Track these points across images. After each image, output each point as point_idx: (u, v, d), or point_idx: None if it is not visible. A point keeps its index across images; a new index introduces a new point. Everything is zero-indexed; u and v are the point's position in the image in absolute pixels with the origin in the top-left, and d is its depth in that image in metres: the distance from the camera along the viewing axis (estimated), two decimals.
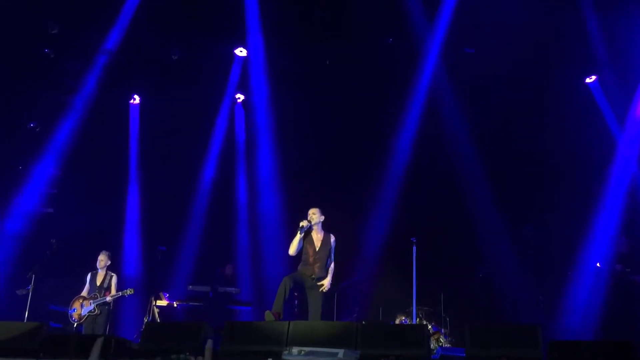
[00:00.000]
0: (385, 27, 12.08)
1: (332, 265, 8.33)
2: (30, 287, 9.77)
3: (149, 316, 10.35)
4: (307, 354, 5.71)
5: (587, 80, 12.07)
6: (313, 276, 8.17)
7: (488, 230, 11.60)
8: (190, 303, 11.24)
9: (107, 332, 9.66)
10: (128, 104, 13.53)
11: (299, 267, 8.34)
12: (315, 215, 8.34)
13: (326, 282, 8.15)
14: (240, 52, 13.06)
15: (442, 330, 9.94)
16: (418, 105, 12.54)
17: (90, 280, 10.01)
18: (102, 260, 10.05)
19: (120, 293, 9.73)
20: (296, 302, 10.29)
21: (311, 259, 8.25)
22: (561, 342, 6.01)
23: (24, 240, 12.03)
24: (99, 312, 9.71)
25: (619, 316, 10.00)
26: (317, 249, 8.30)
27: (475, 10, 11.22)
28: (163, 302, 10.92)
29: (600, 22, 11.13)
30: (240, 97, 13.79)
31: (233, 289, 11.60)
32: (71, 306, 9.89)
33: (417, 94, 12.51)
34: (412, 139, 12.63)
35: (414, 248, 9.23)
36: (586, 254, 11.14)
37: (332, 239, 8.40)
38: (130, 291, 9.74)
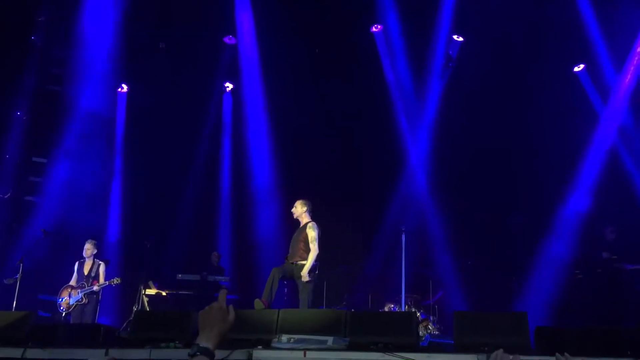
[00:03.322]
0: (374, 14, 12.09)
1: (312, 249, 8.29)
2: (18, 276, 9.71)
3: (138, 305, 10.33)
4: (297, 341, 5.72)
5: (576, 69, 12.09)
6: (291, 261, 8.34)
7: (477, 218, 11.65)
8: (180, 292, 11.23)
9: (95, 321, 9.64)
10: (116, 93, 13.43)
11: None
12: (295, 209, 8.62)
13: (304, 272, 8.16)
14: (230, 39, 12.99)
15: (431, 318, 9.99)
16: (408, 94, 12.55)
17: (77, 269, 9.98)
18: (89, 248, 10.02)
19: (107, 282, 9.71)
20: (286, 290, 10.30)
21: (290, 246, 8.53)
22: (548, 328, 6.06)
23: (11, 229, 11.96)
24: (87, 301, 9.69)
25: (606, 303, 10.08)
26: (294, 235, 8.54)
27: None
28: (152, 291, 10.90)
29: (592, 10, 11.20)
30: (229, 85, 13.72)
31: (222, 277, 11.60)
32: (60, 295, 9.86)
33: (406, 81, 12.53)
34: (402, 127, 12.65)
35: (403, 236, 9.27)
36: (572, 242, 11.20)
37: (309, 225, 8.44)
38: (117, 280, 9.71)
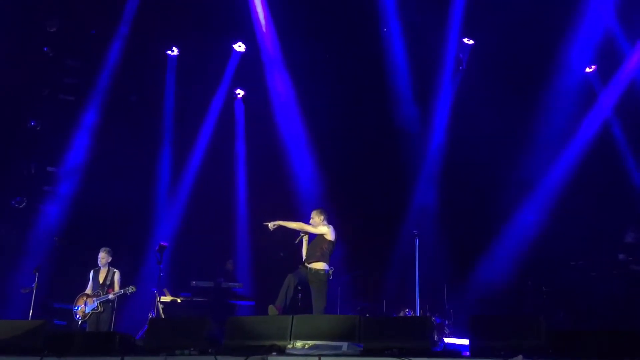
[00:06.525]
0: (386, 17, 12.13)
1: (310, 227, 8.45)
2: (34, 285, 9.77)
3: (153, 312, 10.35)
4: (311, 347, 5.72)
5: (587, 69, 12.03)
6: (306, 263, 8.30)
7: (490, 221, 11.60)
8: (194, 299, 11.25)
9: (111, 329, 9.67)
10: (129, 101, 13.52)
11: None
12: (313, 220, 8.55)
13: (277, 222, 8.46)
14: (239, 47, 13.05)
15: (446, 322, 9.94)
16: (421, 97, 12.55)
17: (93, 277, 10.02)
18: (103, 257, 10.05)
19: (122, 291, 9.73)
20: (300, 295, 10.30)
21: (307, 249, 8.52)
22: (564, 332, 6.01)
23: (26, 238, 12.06)
24: (102, 309, 9.72)
25: (622, 305, 9.99)
26: (313, 240, 8.50)
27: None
28: (167, 298, 10.93)
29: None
30: (240, 92, 13.77)
31: (236, 284, 11.62)
32: (75, 304, 9.90)
33: (418, 84, 12.53)
34: (415, 130, 12.64)
35: (417, 240, 9.24)
36: (588, 244, 11.11)
37: (327, 227, 8.45)
38: (132, 289, 9.71)
